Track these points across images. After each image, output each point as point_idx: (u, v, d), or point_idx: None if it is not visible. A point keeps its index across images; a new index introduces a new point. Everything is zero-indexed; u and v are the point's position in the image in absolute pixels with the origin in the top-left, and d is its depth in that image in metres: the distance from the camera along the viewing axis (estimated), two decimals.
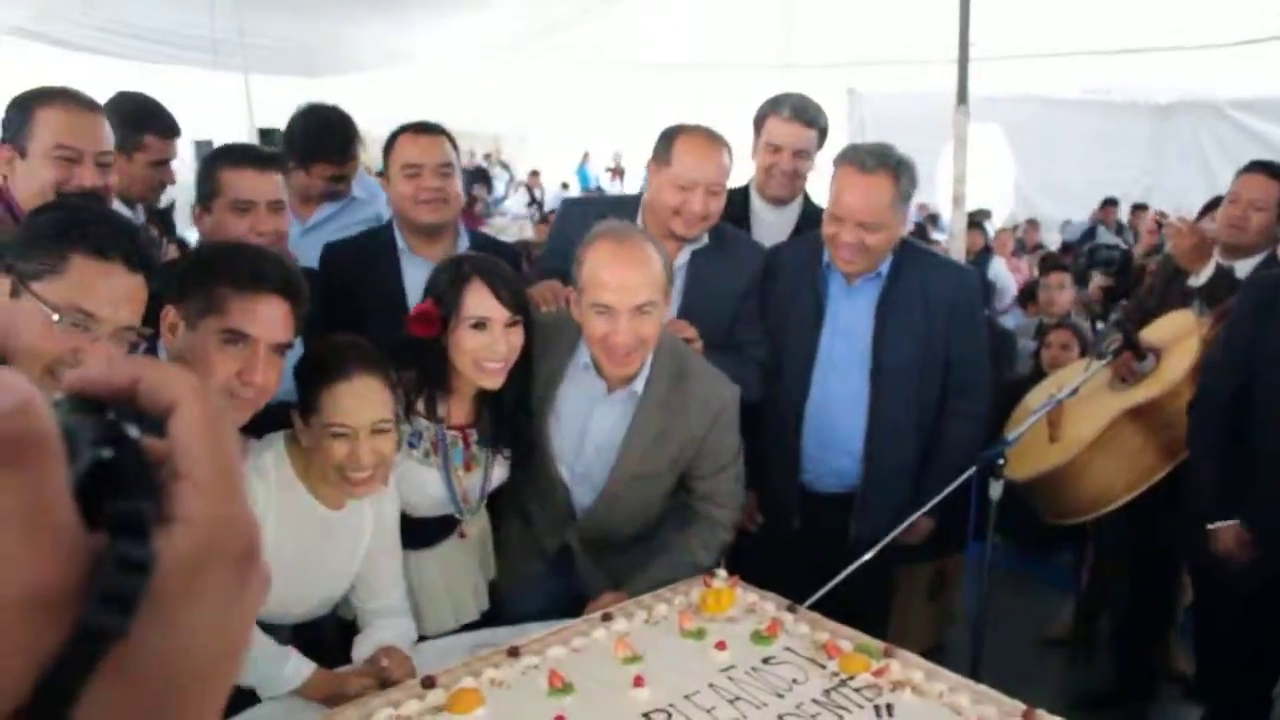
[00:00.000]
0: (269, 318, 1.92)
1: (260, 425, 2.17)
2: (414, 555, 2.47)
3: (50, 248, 1.63)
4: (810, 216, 3.33)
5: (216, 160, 2.60)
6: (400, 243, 2.88)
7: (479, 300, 2.27)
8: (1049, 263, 6.97)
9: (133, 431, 0.40)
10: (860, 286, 2.98)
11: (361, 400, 2.09)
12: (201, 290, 1.91)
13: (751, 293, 3.01)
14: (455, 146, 2.94)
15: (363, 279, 2.81)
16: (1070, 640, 4.38)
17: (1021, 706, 1.89)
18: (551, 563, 2.67)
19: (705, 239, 2.97)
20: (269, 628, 2.17)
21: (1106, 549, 4.24)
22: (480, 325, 2.27)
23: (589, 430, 2.52)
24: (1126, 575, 3.98)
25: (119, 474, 0.39)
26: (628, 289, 2.30)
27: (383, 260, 2.87)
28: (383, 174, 2.97)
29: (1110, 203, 11.24)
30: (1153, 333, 3.36)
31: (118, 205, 2.69)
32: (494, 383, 2.33)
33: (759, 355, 3.02)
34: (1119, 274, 4.65)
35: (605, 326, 2.34)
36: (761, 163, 3.33)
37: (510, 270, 2.47)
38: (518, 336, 2.33)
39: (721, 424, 2.52)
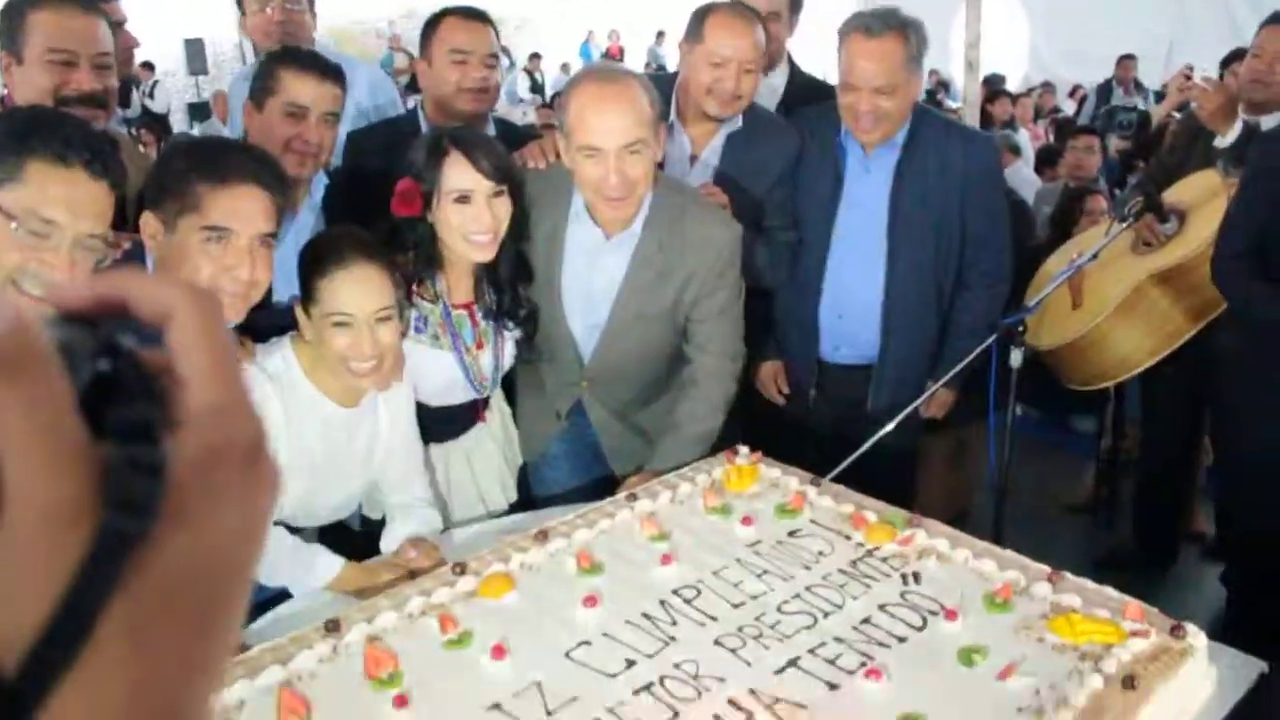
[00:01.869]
0: (248, 209, 1.88)
1: (267, 331, 2.17)
2: (439, 449, 2.48)
3: (7, 154, 1.57)
4: (800, 86, 3.24)
5: (280, 60, 2.54)
6: (425, 129, 2.82)
7: (459, 173, 2.23)
8: (1066, 128, 6.81)
9: (129, 343, 0.40)
10: (877, 157, 2.93)
11: (360, 288, 2.06)
12: (175, 191, 1.86)
13: (785, 177, 2.96)
14: (498, 35, 2.91)
15: (387, 168, 2.77)
16: (1091, 506, 4.42)
17: (1046, 569, 1.89)
18: (570, 435, 2.67)
19: (740, 122, 2.91)
20: (295, 530, 2.20)
21: (1127, 413, 4.24)
22: (463, 199, 2.23)
23: (592, 279, 2.49)
24: (1145, 440, 4.00)
25: (120, 385, 0.39)
26: (615, 129, 2.25)
27: (407, 148, 2.82)
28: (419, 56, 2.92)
29: (1127, 58, 10.87)
30: (1177, 194, 3.29)
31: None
32: (485, 255, 2.30)
33: (788, 239, 2.99)
34: (1137, 135, 4.52)
35: (595, 170, 2.29)
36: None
37: (489, 139, 2.42)
38: (504, 206, 2.28)
39: (722, 263, 2.47)
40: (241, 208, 1.87)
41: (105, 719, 0.37)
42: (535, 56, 16.48)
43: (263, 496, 0.43)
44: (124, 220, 1.91)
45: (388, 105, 3.44)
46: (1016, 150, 6.74)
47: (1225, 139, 3.40)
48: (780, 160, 2.95)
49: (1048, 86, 11.99)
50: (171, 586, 0.38)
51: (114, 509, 0.36)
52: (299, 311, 2.12)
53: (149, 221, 1.89)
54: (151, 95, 12.06)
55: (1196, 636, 1.69)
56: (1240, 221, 2.88)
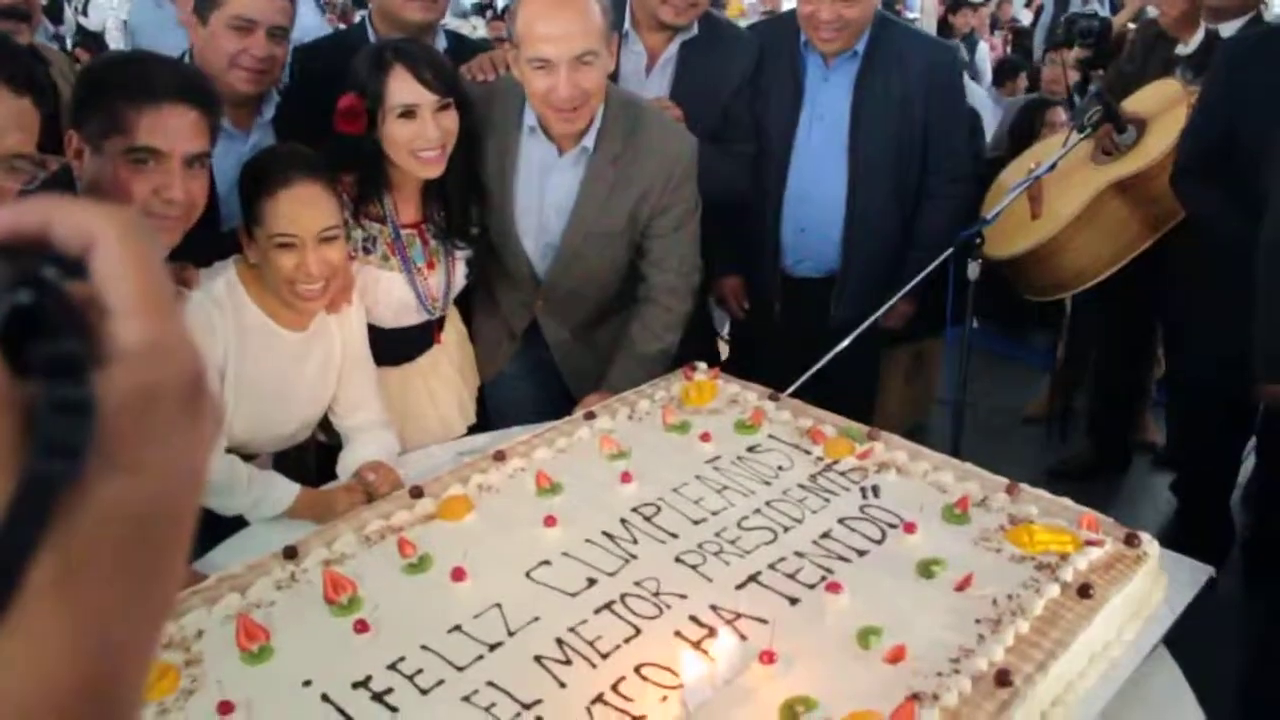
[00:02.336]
0: (177, 128, 1.78)
1: (209, 255, 2.10)
2: (395, 371, 2.44)
3: None
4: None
5: None
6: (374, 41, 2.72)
7: (403, 87, 2.16)
8: (1022, 39, 6.70)
9: (51, 275, 0.37)
10: (837, 66, 2.89)
11: (304, 207, 2.01)
12: (99, 110, 1.77)
13: (742, 89, 2.90)
14: None
15: (336, 83, 2.68)
16: (1046, 417, 4.48)
17: (1004, 481, 1.91)
18: (526, 355, 2.64)
19: (695, 29, 2.84)
20: (249, 457, 2.16)
21: (1082, 326, 4.28)
22: (408, 114, 2.17)
23: (545, 196, 2.44)
24: (1100, 352, 4.04)
25: (42, 319, 0.36)
26: (565, 39, 2.19)
27: None
28: None
29: None
30: (1136, 103, 3.27)
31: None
32: (433, 172, 2.25)
33: (747, 150, 2.94)
34: (1097, 43, 4.48)
35: (545, 81, 2.24)
36: None
37: (434, 51, 2.35)
38: (450, 120, 2.22)
39: (678, 176, 2.43)
40: (170, 126, 1.78)
41: (47, 665, 0.36)
42: None
43: (202, 437, 0.41)
44: (57, 141, 1.83)
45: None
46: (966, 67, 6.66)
47: (1187, 46, 3.37)
48: (738, 70, 2.89)
49: None
50: (107, 532, 0.37)
51: (40, 453, 0.34)
52: (242, 234, 2.06)
53: (72, 139, 1.81)
54: (85, 12, 11.61)
55: (1150, 545, 1.71)
56: (1201, 129, 2.87)
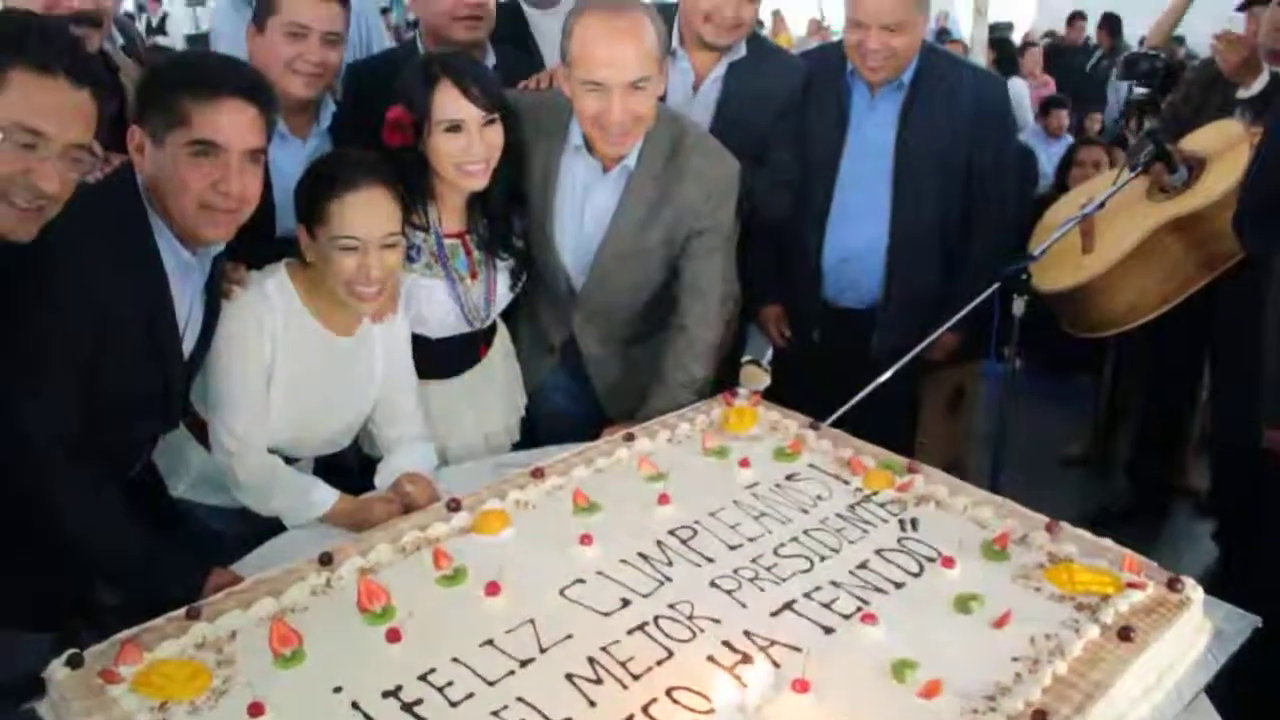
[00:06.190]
0: (236, 123, 1.84)
1: (263, 258, 2.14)
2: (441, 385, 2.46)
3: None
4: None
5: None
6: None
7: (450, 102, 2.18)
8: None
9: None
10: (883, 96, 2.89)
11: (371, 211, 2.04)
12: (162, 105, 1.82)
13: (787, 113, 2.91)
14: None
15: (388, 98, 2.72)
16: (1087, 458, 4.42)
17: (1044, 519, 1.88)
18: (566, 370, 2.65)
19: (743, 50, 2.86)
20: (291, 460, 2.18)
21: (1125, 368, 4.23)
22: (455, 128, 2.19)
23: (586, 211, 2.45)
24: (1144, 394, 3.99)
25: None
26: (620, 64, 2.20)
27: None
28: None
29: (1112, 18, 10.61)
30: (1196, 142, 3.22)
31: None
32: (478, 184, 2.26)
33: (790, 176, 2.94)
34: (1162, 83, 4.41)
35: (597, 105, 2.24)
36: None
37: (481, 66, 2.37)
38: (496, 134, 2.24)
39: (717, 198, 2.42)
40: (229, 122, 1.83)
41: None
42: None
43: None
44: (125, 144, 1.88)
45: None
46: None
47: (1249, 90, 3.34)
48: (784, 90, 2.90)
49: (1053, 36, 11.83)
50: None
51: None
52: (301, 232, 2.09)
53: (135, 134, 1.85)
54: (164, 30, 11.77)
55: (1193, 590, 1.68)
56: (1264, 172, 2.83)
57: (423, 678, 1.50)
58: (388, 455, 2.28)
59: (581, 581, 1.73)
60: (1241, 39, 3.43)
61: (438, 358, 2.41)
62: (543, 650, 1.56)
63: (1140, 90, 4.57)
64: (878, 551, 1.83)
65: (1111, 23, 9.71)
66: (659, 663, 1.53)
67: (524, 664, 1.53)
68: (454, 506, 1.93)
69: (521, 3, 3.24)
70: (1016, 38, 12.23)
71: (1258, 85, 3.32)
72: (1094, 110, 7.70)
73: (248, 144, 1.86)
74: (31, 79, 1.53)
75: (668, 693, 1.47)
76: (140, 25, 11.50)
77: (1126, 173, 3.04)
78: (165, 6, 13.20)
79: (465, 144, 2.20)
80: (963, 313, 2.66)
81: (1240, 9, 4.08)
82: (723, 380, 2.57)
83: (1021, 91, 7.81)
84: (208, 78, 1.84)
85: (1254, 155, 2.89)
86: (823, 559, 1.81)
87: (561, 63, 2.33)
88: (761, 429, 2.29)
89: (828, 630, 1.61)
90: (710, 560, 1.80)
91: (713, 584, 1.73)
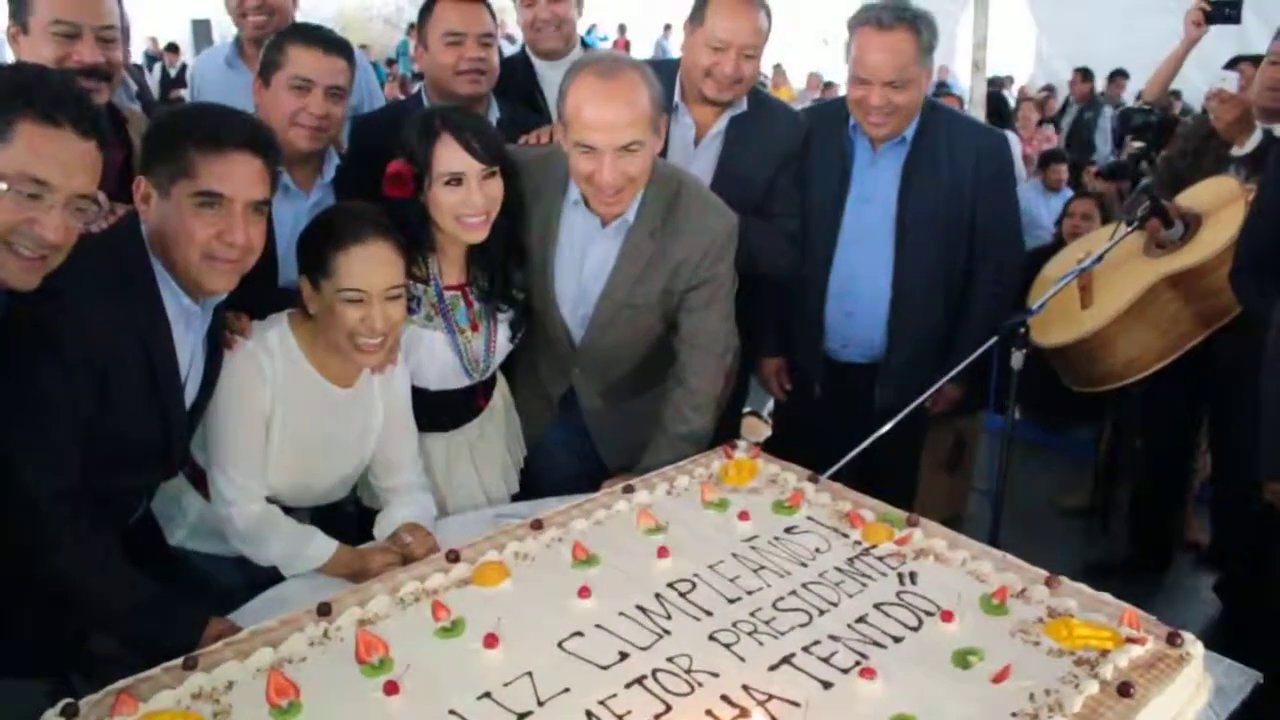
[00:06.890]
0: (241, 175, 1.86)
1: (266, 309, 2.15)
2: (440, 439, 2.47)
3: None
4: None
5: (286, 35, 2.52)
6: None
7: (450, 155, 2.20)
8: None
9: None
10: (885, 152, 2.92)
11: (376, 264, 2.06)
12: (168, 155, 1.85)
13: (789, 165, 2.94)
14: (493, 15, 2.87)
15: (392, 151, 2.76)
16: (1087, 511, 4.41)
17: (1044, 573, 1.88)
18: (565, 423, 2.66)
19: (745, 105, 2.90)
20: (289, 510, 2.18)
21: (1126, 420, 4.23)
22: (455, 181, 2.21)
23: (585, 265, 2.47)
24: (1144, 447, 3.99)
25: None
26: (610, 128, 2.22)
27: None
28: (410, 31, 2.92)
29: (1120, 74, 10.85)
30: (1192, 198, 3.26)
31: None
32: (477, 237, 2.28)
33: (790, 228, 2.96)
34: (1156, 138, 4.48)
35: (589, 165, 2.27)
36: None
37: (481, 120, 2.40)
38: (495, 187, 2.26)
39: (715, 252, 2.44)
40: (235, 173, 1.85)
41: None
42: None
43: None
44: (131, 195, 1.90)
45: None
46: None
47: (1243, 148, 3.37)
48: (785, 145, 2.93)
49: (1050, 90, 11.98)
50: None
51: None
52: (304, 283, 2.10)
53: (140, 185, 1.87)
54: (182, 82, 11.89)
55: (1193, 645, 1.68)
56: (1258, 229, 2.86)
57: None
58: (386, 506, 2.29)
59: (580, 634, 1.73)
60: (1235, 97, 3.47)
61: (437, 410, 2.42)
62: (540, 703, 1.55)
63: (1136, 144, 4.64)
64: (877, 605, 1.82)
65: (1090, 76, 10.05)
66: (656, 717, 1.53)
67: (521, 717, 1.52)
68: (453, 558, 1.93)
69: (530, 55, 3.29)
70: (1015, 91, 12.39)
71: (1251, 143, 3.35)
72: (1087, 162, 7.77)
73: (253, 195, 1.88)
74: (37, 129, 1.55)
75: None
76: (157, 76, 11.60)
77: (1123, 228, 3.07)
78: (183, 58, 13.38)
79: (465, 196, 2.22)
80: (960, 366, 2.68)
81: (1229, 66, 4.12)
82: (722, 432, 2.57)
83: (1014, 146, 7.89)
84: (214, 129, 1.86)
85: (1249, 212, 2.92)
86: (821, 612, 1.80)
87: (557, 120, 2.36)
88: (761, 481, 2.29)
89: (826, 685, 1.61)
90: (709, 613, 1.80)
91: (711, 637, 1.73)
